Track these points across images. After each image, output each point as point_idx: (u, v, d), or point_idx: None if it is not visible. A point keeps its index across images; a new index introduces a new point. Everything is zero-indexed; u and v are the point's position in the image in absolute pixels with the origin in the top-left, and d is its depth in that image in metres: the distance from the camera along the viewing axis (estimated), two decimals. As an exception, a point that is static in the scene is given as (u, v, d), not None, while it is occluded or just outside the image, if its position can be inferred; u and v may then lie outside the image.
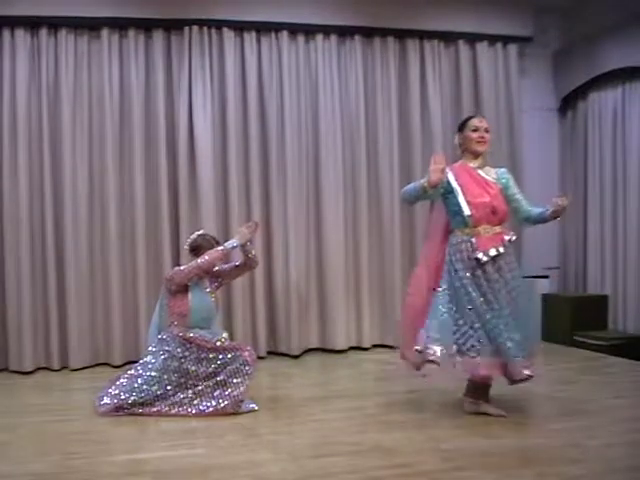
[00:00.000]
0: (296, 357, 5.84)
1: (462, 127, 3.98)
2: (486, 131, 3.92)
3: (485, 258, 3.75)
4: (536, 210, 3.95)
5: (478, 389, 3.95)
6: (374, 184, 6.18)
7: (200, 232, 4.50)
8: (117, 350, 5.58)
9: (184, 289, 4.19)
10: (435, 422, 3.78)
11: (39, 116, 5.52)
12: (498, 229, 3.84)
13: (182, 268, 4.24)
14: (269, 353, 5.88)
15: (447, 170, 3.83)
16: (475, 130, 3.90)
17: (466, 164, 3.94)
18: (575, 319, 6.03)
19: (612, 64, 6.12)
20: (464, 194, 3.82)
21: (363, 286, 6.12)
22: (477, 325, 3.74)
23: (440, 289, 3.87)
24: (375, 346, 6.13)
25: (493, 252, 3.77)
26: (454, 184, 3.84)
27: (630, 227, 6.11)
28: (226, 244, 4.29)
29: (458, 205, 3.83)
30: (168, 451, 3.36)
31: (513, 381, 3.84)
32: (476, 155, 3.93)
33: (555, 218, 3.89)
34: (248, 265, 4.48)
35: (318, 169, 6.03)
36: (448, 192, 3.87)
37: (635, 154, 6.05)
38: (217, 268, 4.38)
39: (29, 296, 5.43)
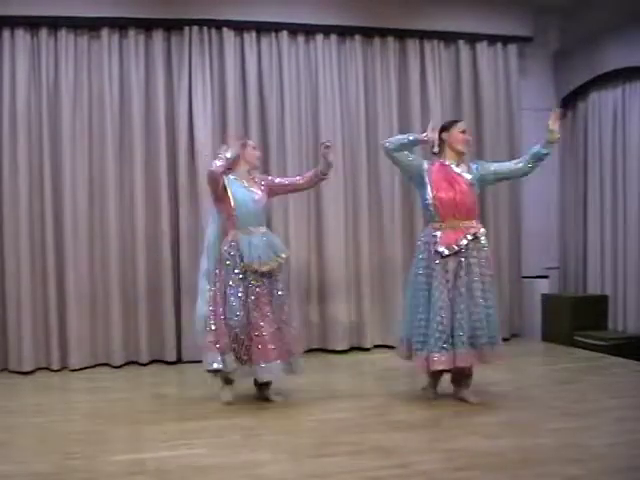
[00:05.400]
0: (296, 357, 5.83)
1: (449, 127, 4.24)
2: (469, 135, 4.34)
3: (447, 252, 3.98)
4: (528, 155, 4.30)
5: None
6: (374, 184, 6.18)
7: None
8: (117, 350, 5.58)
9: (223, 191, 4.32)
10: (435, 422, 3.78)
11: (39, 116, 5.52)
12: (466, 223, 4.06)
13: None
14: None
15: (426, 165, 4.16)
16: (463, 132, 4.21)
17: (444, 162, 4.20)
18: (575, 319, 6.03)
19: (612, 64, 6.12)
20: (432, 189, 4.09)
21: (364, 286, 6.11)
22: (437, 318, 3.94)
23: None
24: (376, 347, 6.13)
25: (455, 247, 3.99)
26: (427, 179, 4.12)
27: (630, 227, 6.10)
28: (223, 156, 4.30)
29: (427, 198, 4.12)
30: (168, 451, 3.36)
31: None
32: (458, 154, 4.20)
33: (551, 143, 4.27)
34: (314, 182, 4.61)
35: (318, 169, 6.03)
36: (420, 185, 4.15)
37: (635, 154, 6.04)
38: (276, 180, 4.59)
39: (29, 296, 5.42)
